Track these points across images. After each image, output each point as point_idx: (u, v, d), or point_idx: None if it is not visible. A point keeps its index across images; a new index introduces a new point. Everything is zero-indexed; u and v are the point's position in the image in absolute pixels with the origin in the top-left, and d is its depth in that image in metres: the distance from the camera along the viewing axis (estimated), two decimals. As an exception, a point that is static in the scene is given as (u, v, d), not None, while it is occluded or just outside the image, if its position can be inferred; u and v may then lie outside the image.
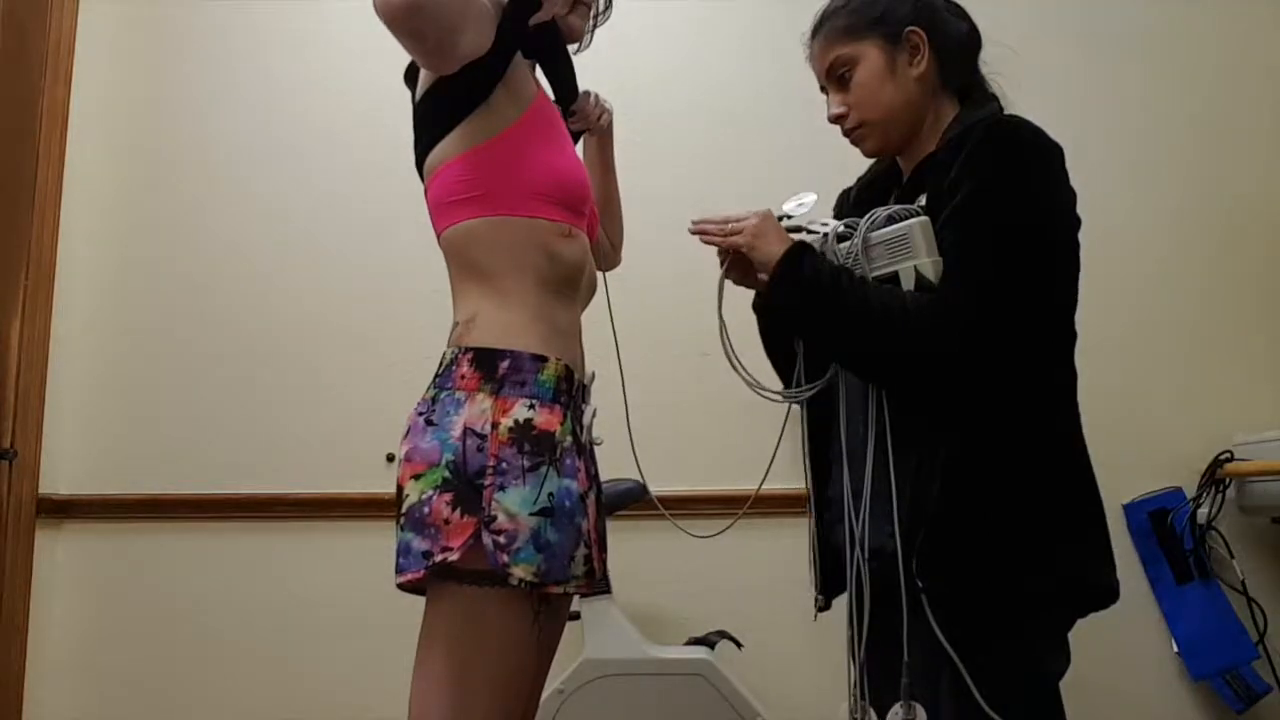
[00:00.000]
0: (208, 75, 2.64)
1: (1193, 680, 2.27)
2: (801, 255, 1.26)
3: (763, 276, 1.29)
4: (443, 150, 1.26)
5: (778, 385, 1.41)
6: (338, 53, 2.60)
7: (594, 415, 1.29)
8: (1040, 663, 1.22)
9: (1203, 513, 2.26)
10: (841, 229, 1.31)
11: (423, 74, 1.29)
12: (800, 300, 1.26)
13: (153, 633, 2.41)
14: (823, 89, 1.40)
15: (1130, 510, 2.34)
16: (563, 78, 1.40)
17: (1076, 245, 1.27)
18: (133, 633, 2.41)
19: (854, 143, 1.38)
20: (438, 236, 1.30)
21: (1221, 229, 2.46)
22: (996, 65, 1.41)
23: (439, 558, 1.12)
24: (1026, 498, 1.21)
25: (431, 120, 1.27)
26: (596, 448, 1.34)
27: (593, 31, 1.44)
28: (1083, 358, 2.47)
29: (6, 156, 2.41)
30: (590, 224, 1.37)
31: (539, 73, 1.40)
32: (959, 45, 1.36)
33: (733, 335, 1.35)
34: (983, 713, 1.13)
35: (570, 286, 1.30)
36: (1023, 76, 2.47)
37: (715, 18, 2.59)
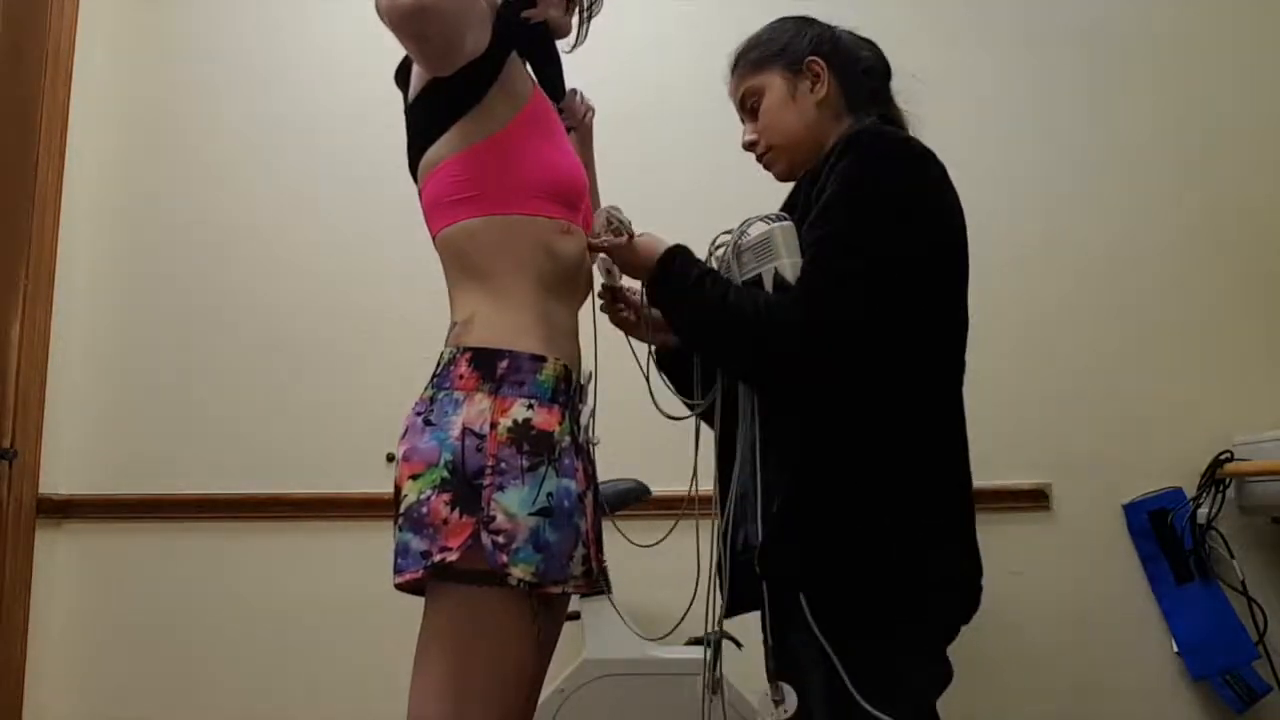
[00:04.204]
0: (208, 75, 2.65)
1: (1193, 680, 2.27)
2: (674, 257, 1.32)
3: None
4: (438, 150, 1.25)
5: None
6: (338, 52, 2.60)
7: (591, 415, 1.29)
8: (901, 671, 1.21)
9: (1203, 513, 2.26)
10: (722, 238, 1.37)
11: (415, 74, 1.28)
12: (670, 299, 1.33)
13: (153, 633, 2.41)
14: (743, 121, 1.49)
15: (1130, 510, 2.34)
16: (551, 76, 1.40)
17: (950, 246, 1.30)
18: (133, 633, 2.42)
19: (766, 168, 1.47)
20: (433, 237, 1.30)
21: (1221, 230, 2.46)
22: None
23: (437, 558, 1.11)
24: (876, 496, 1.23)
25: (427, 120, 1.27)
26: (594, 447, 1.34)
27: (583, 27, 1.42)
28: (1084, 359, 2.48)
29: (6, 156, 2.41)
30: (586, 219, 1.36)
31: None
32: (863, 72, 1.44)
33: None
34: (854, 707, 1.15)
35: (568, 284, 1.29)
36: (1024, 80, 2.50)
37: (715, 22, 2.59)
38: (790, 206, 1.45)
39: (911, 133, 1.42)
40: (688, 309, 1.30)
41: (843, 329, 1.21)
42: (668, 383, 1.43)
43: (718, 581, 1.32)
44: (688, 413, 1.43)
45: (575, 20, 1.39)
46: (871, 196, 1.25)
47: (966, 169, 2.52)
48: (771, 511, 1.24)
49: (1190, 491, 2.29)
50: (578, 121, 1.51)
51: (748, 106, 1.46)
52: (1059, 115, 2.52)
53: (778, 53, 1.43)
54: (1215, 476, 2.26)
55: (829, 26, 1.47)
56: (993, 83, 2.52)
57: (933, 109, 2.67)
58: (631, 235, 1.35)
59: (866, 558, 1.21)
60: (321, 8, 2.64)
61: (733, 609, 1.35)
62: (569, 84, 1.48)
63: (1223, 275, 2.44)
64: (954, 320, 1.32)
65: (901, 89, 1.49)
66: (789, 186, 1.50)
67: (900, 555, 1.21)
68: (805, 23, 1.47)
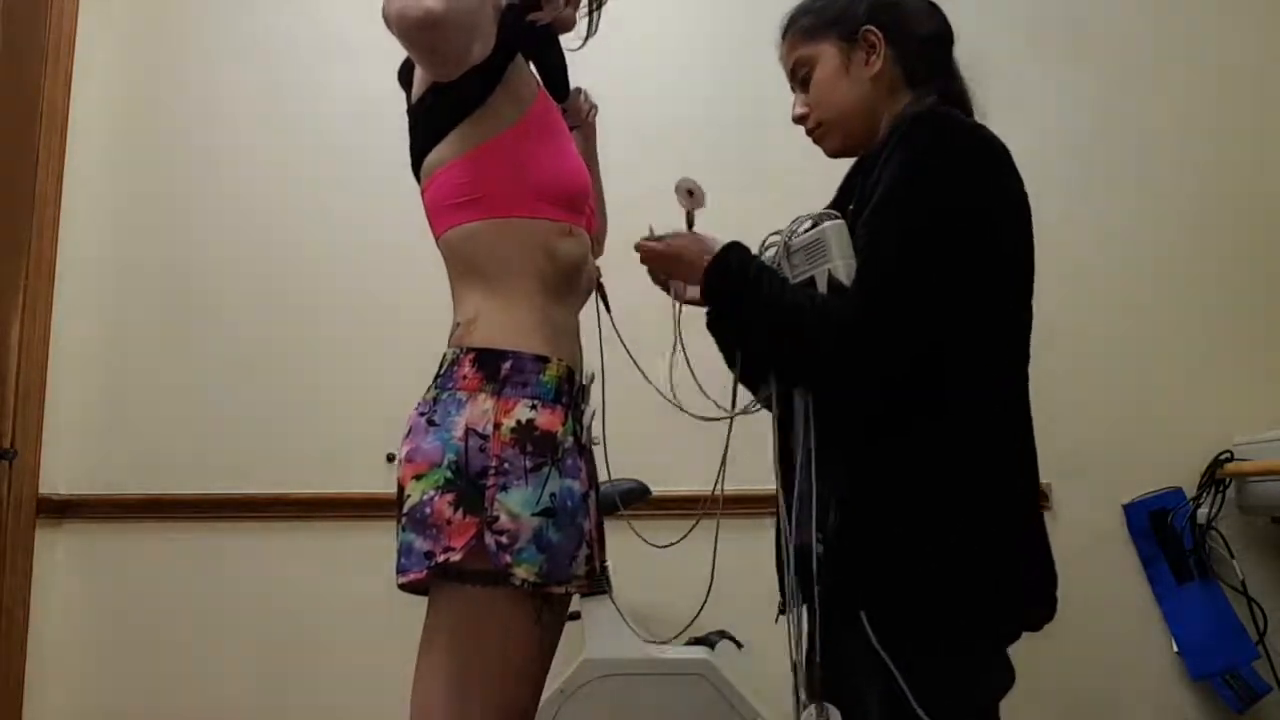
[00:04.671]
0: (208, 75, 2.65)
1: (1193, 680, 2.27)
2: (730, 251, 1.29)
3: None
4: (441, 152, 1.25)
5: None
6: (339, 52, 2.60)
7: (593, 416, 1.29)
8: (966, 678, 1.18)
9: (1203, 513, 2.27)
10: (771, 238, 1.34)
11: (418, 76, 1.27)
12: (726, 293, 1.28)
13: (152, 633, 2.41)
14: (794, 89, 1.41)
15: (1130, 510, 2.34)
16: (555, 76, 1.40)
17: (1015, 237, 1.24)
18: (132, 633, 2.41)
19: (816, 142, 1.39)
20: (436, 238, 1.30)
21: (1222, 230, 2.46)
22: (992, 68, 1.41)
23: (441, 558, 1.11)
24: (935, 504, 1.17)
25: (430, 122, 1.27)
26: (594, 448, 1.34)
27: (592, 19, 1.41)
28: (1084, 359, 2.48)
29: (6, 156, 2.41)
30: (589, 220, 1.36)
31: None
32: (922, 41, 1.34)
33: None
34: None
35: (571, 285, 1.29)
36: (1025, 79, 2.50)
37: (720, 21, 2.59)
38: (844, 194, 1.39)
39: (975, 107, 1.35)
40: (744, 306, 1.25)
41: (902, 332, 1.16)
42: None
43: (794, 589, 1.24)
44: (716, 414, 1.35)
45: (583, 13, 1.39)
46: (932, 191, 1.18)
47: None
48: (828, 521, 1.19)
49: (1190, 491, 2.29)
50: (582, 120, 1.51)
51: (799, 77, 1.37)
52: (1060, 115, 2.52)
53: (832, 20, 1.34)
54: (1215, 476, 2.26)
55: None
56: (999, 81, 2.52)
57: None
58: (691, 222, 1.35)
59: (930, 570, 1.15)
60: (324, 5, 2.64)
61: (785, 607, 1.31)
62: (578, 80, 1.48)
63: (1223, 275, 2.44)
64: (1017, 319, 1.25)
65: (967, 60, 1.39)
66: (824, 180, 1.44)
67: (966, 566, 1.16)
68: None
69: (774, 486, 1.30)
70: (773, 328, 1.23)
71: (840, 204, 1.35)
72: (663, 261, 1.35)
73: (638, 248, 1.37)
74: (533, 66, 1.36)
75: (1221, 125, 2.50)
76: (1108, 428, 2.38)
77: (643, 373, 1.44)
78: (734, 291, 1.26)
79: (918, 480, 1.18)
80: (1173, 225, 2.47)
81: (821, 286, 1.21)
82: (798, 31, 1.37)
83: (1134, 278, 2.44)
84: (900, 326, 1.16)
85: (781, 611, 1.30)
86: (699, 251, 1.29)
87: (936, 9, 1.38)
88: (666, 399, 1.41)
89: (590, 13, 1.40)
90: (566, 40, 1.41)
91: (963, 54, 1.41)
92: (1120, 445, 2.37)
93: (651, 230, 1.38)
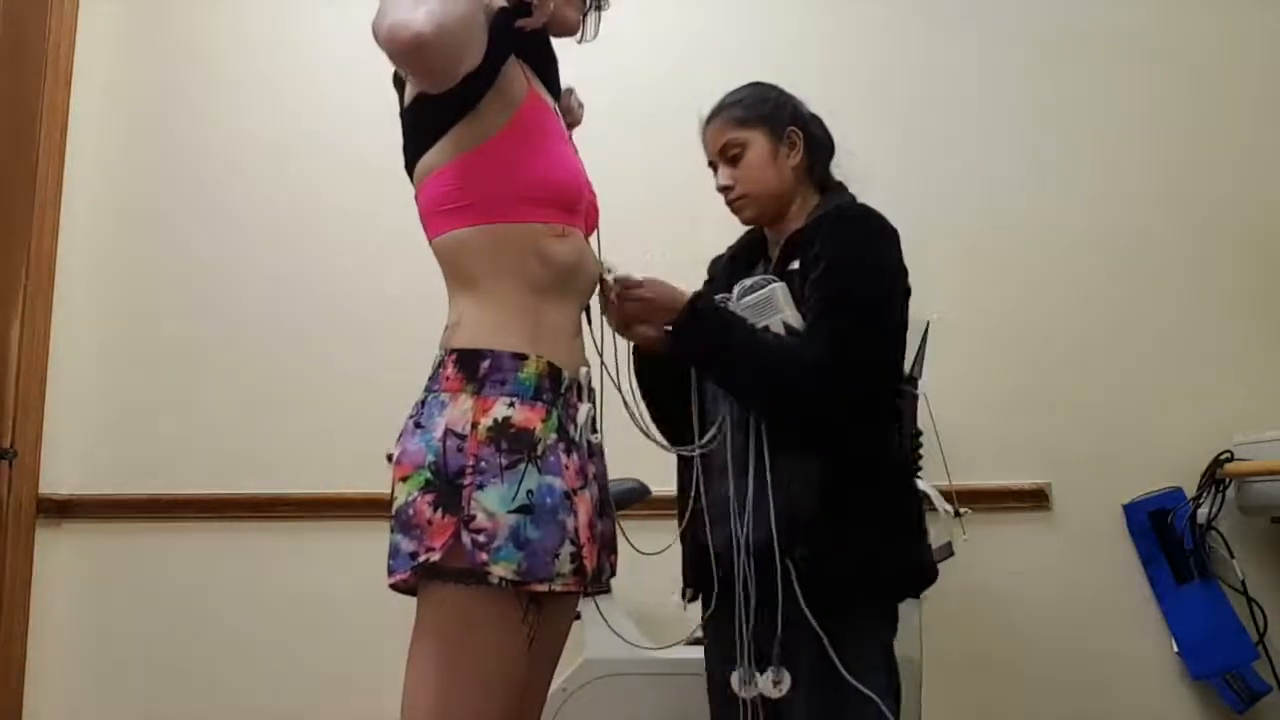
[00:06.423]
0: (208, 75, 2.65)
1: (1193, 680, 2.27)
2: (700, 301, 1.50)
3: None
4: (431, 158, 1.26)
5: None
6: (338, 53, 2.60)
7: (589, 414, 1.28)
8: (880, 630, 1.49)
9: (1203, 513, 2.26)
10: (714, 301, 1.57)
11: (410, 81, 1.27)
12: (702, 342, 1.48)
13: (153, 633, 2.41)
14: (710, 164, 1.66)
15: (1130, 510, 2.34)
16: (548, 75, 1.39)
17: (906, 309, 1.56)
18: (133, 633, 2.42)
19: (734, 211, 1.64)
20: (429, 242, 1.30)
21: (1222, 229, 2.45)
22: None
23: (423, 558, 1.13)
24: (877, 502, 1.48)
25: (420, 128, 1.27)
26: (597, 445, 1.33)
27: (589, 18, 1.41)
28: (1084, 358, 2.48)
29: (6, 156, 2.41)
30: (589, 217, 1.36)
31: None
32: (822, 149, 1.67)
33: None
34: (838, 674, 1.39)
35: (565, 286, 1.29)
36: (1027, 79, 2.50)
37: (713, 27, 2.59)
38: (747, 248, 1.70)
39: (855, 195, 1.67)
40: (721, 348, 1.46)
41: (856, 365, 1.44)
42: (654, 434, 1.54)
43: (749, 575, 1.46)
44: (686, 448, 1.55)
45: (583, 16, 1.38)
46: (873, 263, 1.52)
47: (968, 168, 2.52)
48: (803, 517, 1.42)
49: (1190, 491, 2.29)
50: (573, 119, 1.51)
51: (728, 155, 1.61)
52: (1060, 116, 2.52)
53: (765, 116, 1.61)
54: (1215, 476, 2.26)
55: (799, 101, 1.67)
56: (996, 82, 2.53)
57: (941, 107, 2.68)
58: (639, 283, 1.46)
59: (871, 548, 1.44)
60: (324, 7, 2.64)
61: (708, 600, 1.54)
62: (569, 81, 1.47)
63: (1223, 274, 2.44)
64: (901, 368, 1.58)
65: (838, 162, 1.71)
66: None
67: (895, 544, 1.48)
68: (783, 93, 1.66)
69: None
70: (756, 369, 1.45)
71: (742, 263, 1.67)
72: (644, 306, 1.47)
73: (619, 293, 1.47)
74: (527, 66, 1.35)
75: (1223, 124, 2.50)
76: (1108, 428, 2.38)
77: (624, 398, 1.48)
78: (709, 338, 1.47)
79: (861, 481, 1.46)
80: (1172, 225, 2.46)
81: (778, 331, 1.46)
82: (730, 118, 1.62)
83: (1133, 277, 2.44)
84: (861, 359, 1.44)
85: (690, 599, 1.57)
86: (670, 296, 1.48)
87: (823, 122, 1.68)
88: (645, 433, 1.51)
89: (587, 15, 1.40)
90: (567, 40, 1.40)
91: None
92: (1120, 445, 2.37)
93: (609, 270, 1.47)
